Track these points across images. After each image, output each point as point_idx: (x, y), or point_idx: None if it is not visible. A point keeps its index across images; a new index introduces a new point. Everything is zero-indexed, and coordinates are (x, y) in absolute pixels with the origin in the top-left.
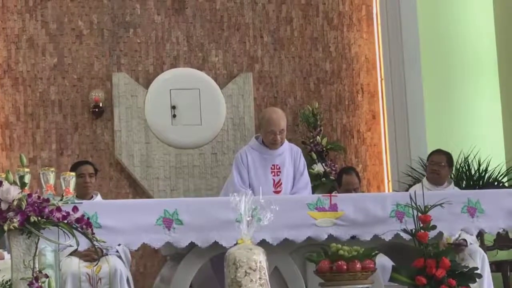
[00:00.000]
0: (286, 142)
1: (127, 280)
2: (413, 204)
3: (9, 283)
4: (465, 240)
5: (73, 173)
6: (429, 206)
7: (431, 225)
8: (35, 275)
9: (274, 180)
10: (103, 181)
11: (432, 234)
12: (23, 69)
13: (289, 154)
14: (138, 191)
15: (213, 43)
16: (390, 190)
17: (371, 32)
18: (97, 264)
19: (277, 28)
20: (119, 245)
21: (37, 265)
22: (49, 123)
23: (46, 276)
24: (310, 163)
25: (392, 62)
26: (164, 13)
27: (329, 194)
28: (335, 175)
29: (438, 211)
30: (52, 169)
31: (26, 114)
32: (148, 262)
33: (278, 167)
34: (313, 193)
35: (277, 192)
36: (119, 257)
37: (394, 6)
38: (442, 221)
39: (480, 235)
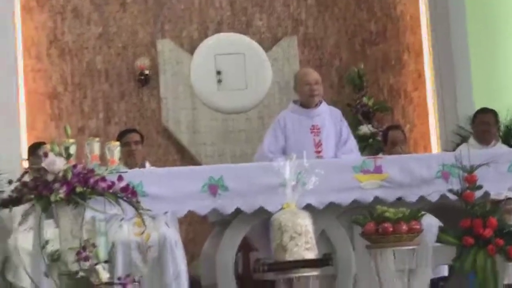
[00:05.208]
0: (324, 103)
1: (177, 246)
2: (459, 164)
3: (57, 252)
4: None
5: (117, 143)
6: (475, 166)
7: (477, 185)
8: (83, 244)
9: (314, 140)
10: (151, 148)
11: (478, 194)
12: (69, 39)
13: (328, 115)
14: (185, 157)
15: (256, 7)
16: (438, 149)
17: None
18: (144, 232)
19: None
20: (165, 212)
21: (84, 235)
22: (96, 92)
23: (94, 245)
24: (356, 124)
25: (437, 20)
26: None
27: (374, 156)
28: (382, 135)
29: (485, 170)
30: (97, 139)
31: (73, 84)
32: (197, 228)
33: (317, 127)
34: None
35: (318, 152)
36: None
37: None
38: (489, 181)
39: None
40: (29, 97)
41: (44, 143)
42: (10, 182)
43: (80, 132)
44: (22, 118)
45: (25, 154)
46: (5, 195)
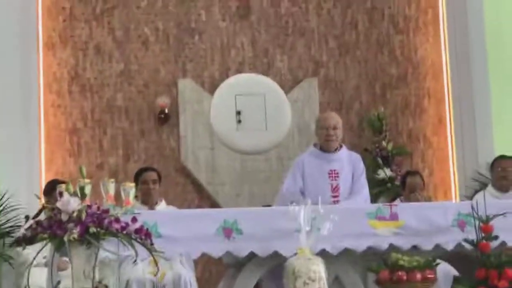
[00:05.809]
0: (345, 148)
1: (192, 285)
2: (475, 214)
3: None
4: None
5: (132, 184)
6: (491, 216)
7: (493, 235)
8: (94, 285)
9: (332, 185)
10: (169, 186)
11: (494, 244)
12: (90, 76)
13: (347, 160)
14: (203, 196)
15: (278, 48)
16: (457, 195)
17: (437, 35)
18: (158, 271)
19: (342, 32)
20: (180, 255)
21: (97, 275)
22: (116, 129)
23: (106, 286)
24: (375, 168)
25: (459, 66)
26: (229, 19)
27: (389, 204)
28: (400, 180)
29: (501, 220)
30: (112, 180)
31: (93, 121)
32: (213, 269)
33: (336, 172)
34: (378, 198)
35: (335, 197)
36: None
37: (461, 9)
38: (505, 231)
39: None
40: (49, 132)
41: (61, 182)
42: (27, 217)
43: (99, 169)
44: (42, 153)
45: (42, 191)
46: (20, 232)
